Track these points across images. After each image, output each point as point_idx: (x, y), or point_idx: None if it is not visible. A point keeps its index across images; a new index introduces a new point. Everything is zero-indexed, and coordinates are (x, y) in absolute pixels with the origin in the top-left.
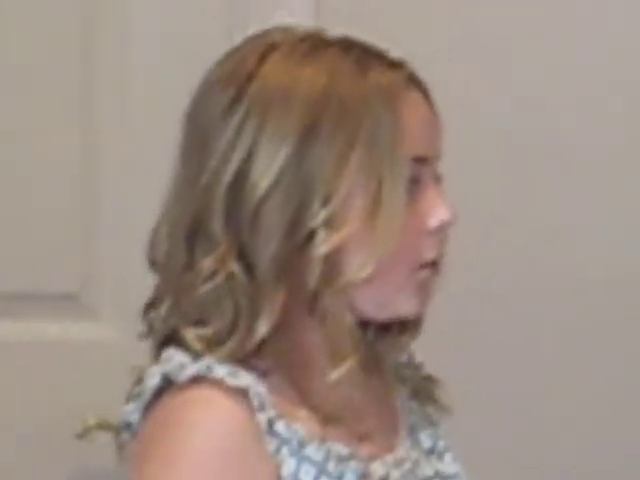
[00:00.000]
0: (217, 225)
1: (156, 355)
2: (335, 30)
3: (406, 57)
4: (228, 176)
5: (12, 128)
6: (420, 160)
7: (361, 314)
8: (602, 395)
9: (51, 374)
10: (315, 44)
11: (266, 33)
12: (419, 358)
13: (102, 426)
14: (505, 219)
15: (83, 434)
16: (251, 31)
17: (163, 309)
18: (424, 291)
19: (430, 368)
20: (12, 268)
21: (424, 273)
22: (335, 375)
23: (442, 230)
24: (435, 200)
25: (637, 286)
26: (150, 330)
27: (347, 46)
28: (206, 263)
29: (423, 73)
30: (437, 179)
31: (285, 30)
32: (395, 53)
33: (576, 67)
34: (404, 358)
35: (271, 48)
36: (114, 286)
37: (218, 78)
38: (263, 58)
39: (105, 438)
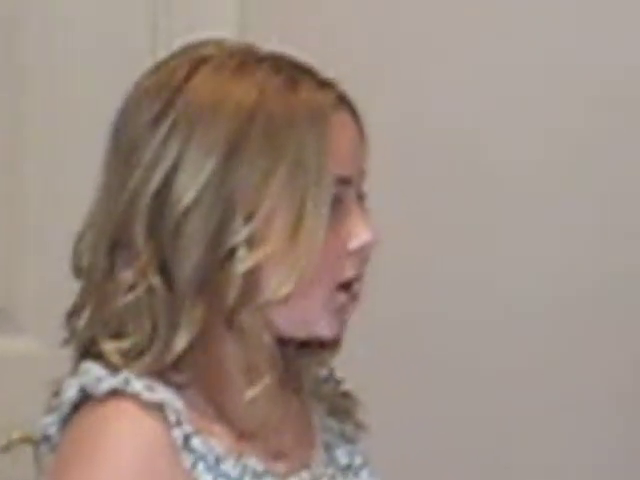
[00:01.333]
0: (139, 236)
1: (76, 365)
2: (267, 45)
3: (329, 72)
4: (152, 188)
5: None
6: (344, 180)
7: (279, 332)
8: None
9: None
10: (246, 59)
11: (197, 46)
12: (339, 373)
13: (25, 440)
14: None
15: (6, 448)
16: (177, 45)
17: (84, 318)
18: (341, 314)
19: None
20: None
21: (342, 296)
22: (251, 393)
23: (363, 251)
24: (357, 221)
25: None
26: (71, 338)
27: (278, 63)
28: (126, 275)
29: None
30: (361, 198)
31: (216, 44)
32: (326, 73)
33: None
34: (324, 373)
35: (201, 61)
36: (37, 299)
37: (147, 89)
38: (192, 71)
39: (29, 452)
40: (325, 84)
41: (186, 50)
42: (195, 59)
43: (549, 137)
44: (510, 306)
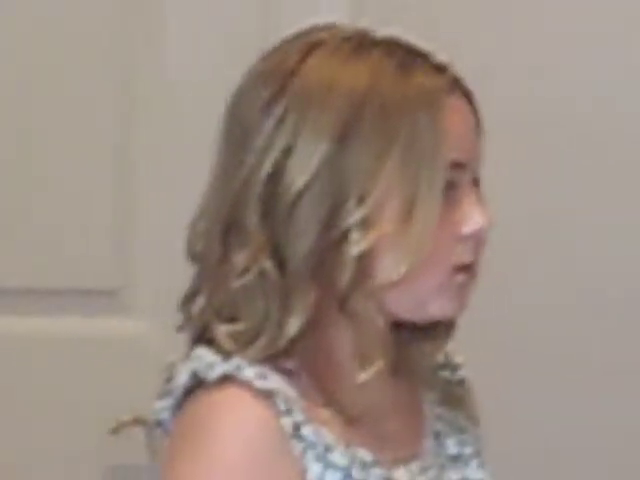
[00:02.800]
0: (252, 220)
1: (190, 351)
2: (381, 29)
3: (449, 56)
4: (265, 171)
5: (52, 129)
6: (458, 165)
7: (394, 316)
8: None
9: (87, 370)
10: (360, 43)
11: (311, 30)
12: (459, 359)
13: (137, 422)
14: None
15: (117, 430)
16: (288, 31)
17: (199, 303)
18: (459, 294)
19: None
20: (50, 265)
21: (459, 277)
22: (362, 378)
23: (476, 236)
24: (471, 206)
25: None
26: (186, 323)
27: (392, 47)
28: (239, 258)
29: (464, 72)
30: (476, 183)
31: (330, 28)
32: (441, 56)
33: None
34: (441, 359)
35: (315, 45)
36: (151, 283)
37: (260, 73)
38: (306, 55)
39: (140, 434)
40: (439, 68)
41: (299, 35)
42: (309, 43)
43: None
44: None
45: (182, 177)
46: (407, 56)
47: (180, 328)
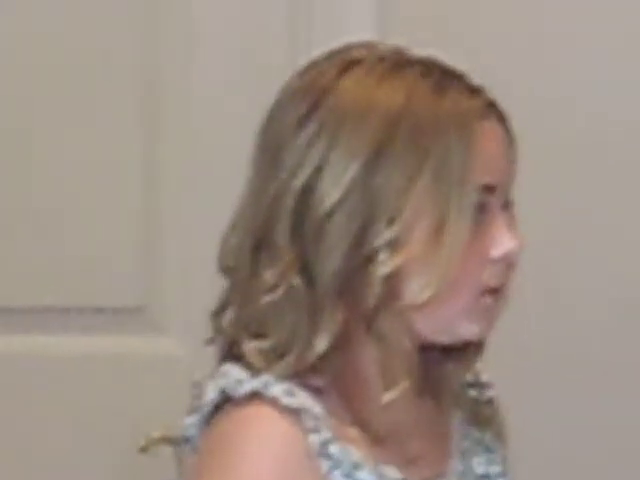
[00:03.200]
0: (282, 237)
1: (218, 367)
2: (417, 50)
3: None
4: (296, 188)
5: (81, 146)
6: (489, 189)
7: (422, 337)
8: None
9: (116, 387)
10: (396, 63)
11: (347, 48)
12: (486, 378)
13: (165, 440)
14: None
15: (146, 447)
16: (315, 51)
17: (228, 317)
18: (486, 316)
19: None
20: (78, 282)
21: (486, 299)
22: (387, 398)
23: (506, 259)
24: (500, 229)
25: None
26: (215, 337)
27: (428, 67)
28: (268, 275)
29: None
30: (507, 205)
31: (367, 46)
32: (476, 79)
33: None
34: (469, 378)
35: (351, 64)
36: (179, 300)
37: (296, 89)
38: (342, 73)
39: (168, 452)
40: (474, 90)
41: (336, 52)
42: (345, 61)
43: None
44: None
45: (211, 192)
46: (443, 77)
47: (209, 341)
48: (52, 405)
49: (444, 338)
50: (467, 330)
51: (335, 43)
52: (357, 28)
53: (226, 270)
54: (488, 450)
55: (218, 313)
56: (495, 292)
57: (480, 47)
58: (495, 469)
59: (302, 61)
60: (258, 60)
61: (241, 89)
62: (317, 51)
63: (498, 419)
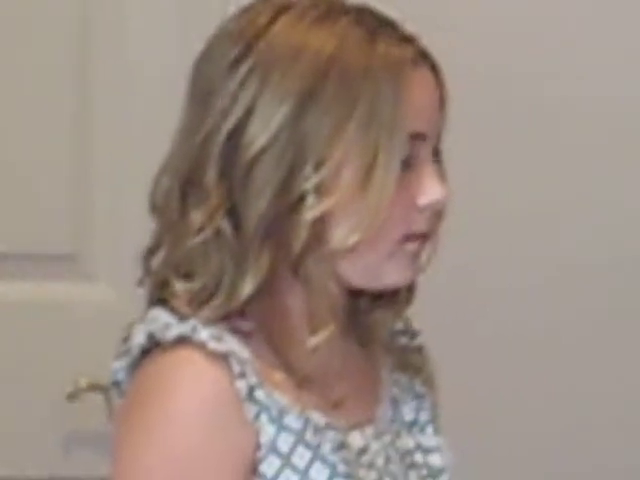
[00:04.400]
0: (210, 178)
1: (147, 310)
2: None
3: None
4: (225, 131)
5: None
6: (418, 136)
7: (348, 283)
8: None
9: (48, 334)
10: (329, 9)
11: None
12: (415, 325)
13: (93, 387)
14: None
15: (74, 395)
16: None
17: (159, 257)
18: (412, 262)
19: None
20: (9, 229)
21: (412, 245)
22: (312, 342)
23: (432, 208)
24: (428, 177)
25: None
26: (145, 278)
27: (361, 15)
28: (196, 216)
29: (433, 45)
30: (437, 155)
31: None
32: (409, 27)
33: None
34: (399, 326)
35: (284, 9)
36: (110, 247)
37: (228, 33)
38: (275, 18)
39: (98, 400)
40: (406, 39)
41: None
42: (278, 6)
43: None
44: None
45: (140, 140)
46: (375, 25)
47: (140, 282)
48: None
49: (369, 285)
50: (391, 277)
51: None
52: None
53: (156, 210)
54: (417, 397)
55: (149, 254)
56: (420, 238)
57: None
58: (424, 415)
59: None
60: (190, 5)
61: (173, 34)
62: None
63: (428, 366)
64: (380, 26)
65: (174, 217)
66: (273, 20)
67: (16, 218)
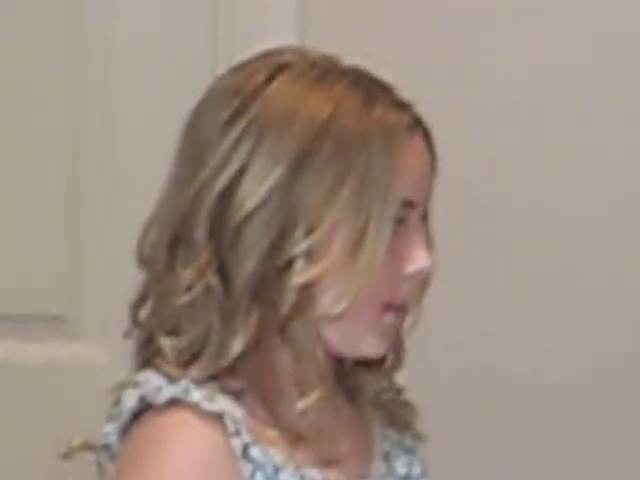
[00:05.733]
0: (200, 236)
1: (136, 364)
2: (348, 59)
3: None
4: (217, 189)
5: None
6: (409, 204)
7: (331, 349)
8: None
9: (36, 395)
10: (326, 71)
11: (279, 52)
12: (400, 382)
13: (86, 447)
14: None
15: (67, 455)
16: (236, 55)
17: (146, 309)
18: (388, 334)
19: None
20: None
21: (389, 317)
22: (301, 405)
23: (418, 276)
24: (416, 245)
25: None
26: (133, 329)
27: (357, 78)
28: (185, 274)
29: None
30: (424, 218)
31: (299, 52)
32: (404, 93)
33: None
34: (384, 383)
35: (282, 68)
36: (99, 308)
37: (224, 89)
38: (272, 77)
39: (90, 459)
40: (402, 105)
41: (267, 55)
42: (275, 65)
43: None
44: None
45: (131, 202)
46: (372, 89)
47: (127, 334)
48: None
49: (348, 352)
50: (369, 348)
51: (257, 46)
52: (277, 33)
53: (144, 262)
54: (408, 452)
55: (136, 305)
56: (399, 310)
57: (398, 58)
58: (416, 470)
59: (223, 64)
60: (179, 62)
61: (162, 90)
62: (239, 55)
63: (415, 421)
64: (376, 90)
65: (161, 270)
66: (270, 79)
67: (5, 278)
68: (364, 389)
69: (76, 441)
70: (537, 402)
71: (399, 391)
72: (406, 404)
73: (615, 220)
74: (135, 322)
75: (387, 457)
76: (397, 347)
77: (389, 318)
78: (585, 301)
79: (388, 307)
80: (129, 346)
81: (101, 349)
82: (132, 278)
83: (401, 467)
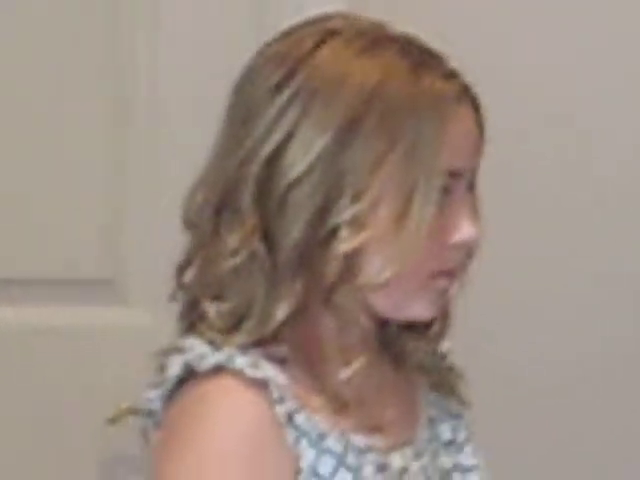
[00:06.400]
0: (246, 202)
1: (181, 329)
2: (397, 26)
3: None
4: (263, 155)
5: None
6: (456, 173)
7: (378, 314)
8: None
9: (82, 359)
10: (376, 38)
11: (327, 18)
12: (445, 347)
13: (133, 412)
14: None
15: (115, 419)
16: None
17: (190, 274)
18: (439, 298)
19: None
20: (45, 254)
21: (441, 281)
22: (345, 373)
23: (464, 246)
24: (462, 215)
25: None
26: (177, 293)
27: (406, 46)
28: (231, 239)
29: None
30: (471, 189)
31: (347, 18)
32: (453, 63)
33: None
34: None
35: (330, 34)
36: (144, 271)
37: (271, 55)
38: (320, 43)
39: (137, 423)
40: (451, 74)
41: (315, 21)
42: (324, 31)
43: None
44: None
45: (175, 167)
46: (421, 58)
47: (171, 297)
48: (19, 377)
49: (396, 317)
50: (418, 311)
51: (306, 13)
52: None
53: (189, 225)
54: (453, 416)
55: (181, 269)
56: (449, 275)
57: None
58: (461, 435)
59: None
60: (224, 31)
61: (208, 63)
62: (287, 22)
63: (461, 386)
64: (425, 59)
65: (206, 234)
66: (318, 45)
67: (51, 244)
68: (409, 355)
69: (123, 405)
70: (545, 386)
71: (444, 356)
72: (451, 369)
73: (622, 205)
74: (180, 285)
75: (432, 423)
76: (445, 312)
77: (440, 282)
78: (594, 285)
79: (437, 273)
80: (174, 309)
81: (146, 312)
82: (177, 241)
83: (446, 432)
